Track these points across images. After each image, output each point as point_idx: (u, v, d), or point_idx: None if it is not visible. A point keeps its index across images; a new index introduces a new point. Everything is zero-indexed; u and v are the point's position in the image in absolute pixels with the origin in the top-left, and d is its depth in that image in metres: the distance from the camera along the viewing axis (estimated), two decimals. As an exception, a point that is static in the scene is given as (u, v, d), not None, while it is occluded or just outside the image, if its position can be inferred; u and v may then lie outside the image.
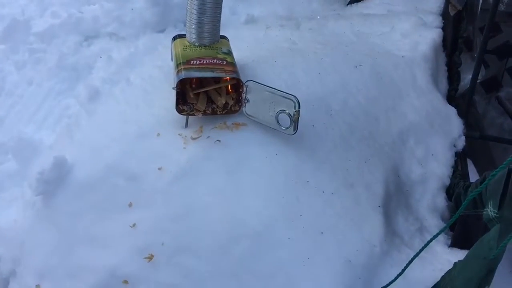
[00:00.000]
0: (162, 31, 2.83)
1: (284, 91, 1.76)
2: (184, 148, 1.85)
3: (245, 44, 2.44)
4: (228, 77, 1.92)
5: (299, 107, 1.71)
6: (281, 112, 1.77)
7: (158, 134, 1.94)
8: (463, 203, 1.19)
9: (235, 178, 1.75)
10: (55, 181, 1.88)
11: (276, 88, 1.80)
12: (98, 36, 2.88)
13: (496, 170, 1.13)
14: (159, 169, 1.81)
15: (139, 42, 2.70)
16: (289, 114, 1.75)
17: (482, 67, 2.97)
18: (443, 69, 2.45)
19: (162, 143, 1.91)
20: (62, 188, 1.87)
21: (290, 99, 1.73)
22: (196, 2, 1.96)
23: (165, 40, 2.70)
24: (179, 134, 1.91)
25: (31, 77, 2.74)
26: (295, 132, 1.76)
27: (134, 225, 1.69)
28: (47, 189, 1.88)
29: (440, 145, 2.04)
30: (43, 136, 2.45)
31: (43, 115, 2.59)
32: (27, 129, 2.54)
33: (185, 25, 2.89)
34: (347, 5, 3.03)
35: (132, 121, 2.04)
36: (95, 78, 2.48)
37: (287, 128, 1.77)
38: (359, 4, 2.93)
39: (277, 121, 1.79)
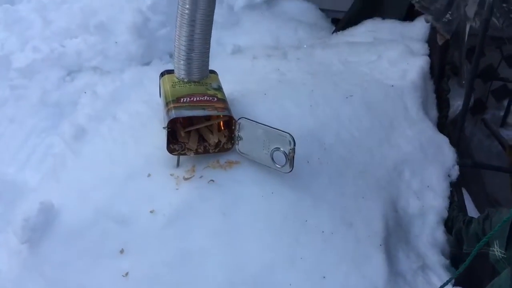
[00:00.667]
0: (147, 63, 2.79)
1: (278, 128, 1.72)
2: (177, 189, 1.80)
3: (233, 76, 2.40)
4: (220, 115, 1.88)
5: (294, 145, 1.68)
6: (275, 150, 1.74)
7: (149, 175, 1.88)
8: (473, 251, 1.16)
9: (231, 220, 1.69)
10: (41, 228, 1.80)
11: (269, 125, 1.76)
12: (81, 70, 2.81)
13: (507, 217, 1.11)
14: (151, 212, 1.75)
15: (124, 76, 2.65)
16: (284, 152, 1.71)
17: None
18: (432, 96, 2.45)
19: (153, 184, 1.85)
20: (49, 235, 1.79)
21: (285, 137, 1.69)
22: (184, 39, 1.93)
23: (151, 72, 2.66)
24: (170, 175, 1.85)
25: (12, 114, 2.65)
26: (291, 170, 1.72)
27: (126, 274, 1.61)
28: (33, 236, 1.79)
29: (435, 176, 2.03)
30: (27, 177, 2.35)
31: (26, 154, 2.49)
32: (9, 169, 2.44)
33: (171, 57, 2.92)
34: (333, 33, 3.03)
35: (121, 161, 1.98)
36: (80, 115, 2.40)
37: (282, 166, 1.73)
38: (345, 32, 2.94)
39: (272, 159, 1.75)
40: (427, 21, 2.19)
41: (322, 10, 3.29)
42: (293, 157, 1.70)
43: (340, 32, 2.97)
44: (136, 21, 2.72)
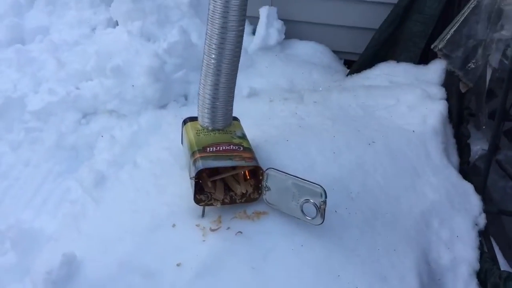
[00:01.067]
0: (164, 106, 2.78)
1: (308, 180, 1.70)
2: (204, 240, 1.76)
3: (251, 119, 2.39)
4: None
5: (326, 197, 1.66)
6: (305, 202, 1.71)
7: (174, 225, 1.85)
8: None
9: (261, 274, 1.65)
10: (64, 281, 1.76)
11: (297, 175, 1.75)
12: (97, 113, 2.80)
13: None
14: (178, 265, 1.71)
15: (141, 120, 2.64)
16: (315, 204, 1.69)
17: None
18: (452, 141, 2.44)
19: (178, 235, 1.82)
20: (72, 289, 1.75)
21: (316, 189, 1.67)
22: (209, 88, 1.93)
23: (168, 116, 2.66)
24: (196, 225, 1.82)
25: (27, 158, 2.63)
26: (322, 222, 1.70)
27: (155, 331, 1.57)
28: (55, 290, 1.75)
29: (463, 225, 2.00)
30: (43, 224, 2.31)
31: (42, 199, 2.46)
32: (24, 215, 2.40)
33: (186, 99, 2.93)
34: (347, 75, 3.05)
35: (144, 211, 1.95)
36: (98, 160, 2.38)
37: (313, 218, 1.71)
38: (359, 75, 2.95)
39: (302, 211, 1.73)
40: (449, 69, 2.20)
41: (335, 52, 3.32)
42: (325, 209, 1.67)
43: (355, 74, 2.99)
44: (152, 64, 2.72)
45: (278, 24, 3.19)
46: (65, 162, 2.60)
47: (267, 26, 3.14)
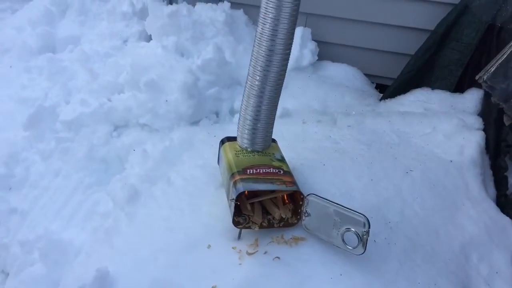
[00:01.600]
0: (196, 123, 2.77)
1: (350, 208, 1.67)
2: (240, 264, 1.73)
3: (285, 141, 2.37)
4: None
5: (369, 227, 1.63)
6: (347, 231, 1.68)
7: (209, 246, 1.82)
8: None
9: (299, 302, 1.62)
10: (96, 297, 1.74)
11: (340, 203, 1.72)
12: (128, 126, 2.80)
13: None
14: (213, 287, 1.68)
15: (173, 135, 2.63)
16: (356, 233, 1.66)
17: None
18: (488, 173, 2.40)
19: (214, 256, 1.79)
20: (104, 306, 1.73)
21: (360, 219, 1.64)
22: (251, 109, 1.91)
23: (201, 133, 2.65)
24: (232, 248, 1.79)
25: (58, 168, 2.62)
26: (364, 252, 1.66)
27: None
28: (88, 306, 1.73)
29: (503, 261, 1.95)
30: (72, 235, 2.30)
31: (71, 210, 2.45)
32: (53, 225, 2.39)
33: (217, 116, 2.92)
34: (380, 100, 3.03)
35: (179, 229, 1.93)
36: (131, 174, 2.37)
37: (354, 247, 1.67)
38: (393, 100, 2.93)
39: (343, 240, 1.70)
40: (494, 102, 2.18)
41: (367, 75, 3.31)
42: (367, 239, 1.64)
43: (388, 99, 2.97)
44: (187, 80, 2.72)
45: (311, 45, 3.19)
46: (95, 174, 2.59)
47: (301, 47, 3.14)
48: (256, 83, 1.87)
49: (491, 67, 2.04)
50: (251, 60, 1.87)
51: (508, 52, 2.09)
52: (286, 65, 1.88)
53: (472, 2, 2.76)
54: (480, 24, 2.76)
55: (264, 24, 1.78)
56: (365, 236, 1.64)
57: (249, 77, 1.89)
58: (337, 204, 1.70)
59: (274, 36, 1.78)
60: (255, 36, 1.83)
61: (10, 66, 3.44)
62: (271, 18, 1.76)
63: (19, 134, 2.81)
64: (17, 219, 2.48)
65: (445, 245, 1.92)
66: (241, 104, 1.96)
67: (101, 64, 3.35)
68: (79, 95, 2.98)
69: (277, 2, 1.74)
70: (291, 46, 1.85)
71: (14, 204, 2.52)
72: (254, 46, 1.85)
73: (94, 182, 2.56)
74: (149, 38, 3.40)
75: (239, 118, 1.99)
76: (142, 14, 3.67)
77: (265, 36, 1.79)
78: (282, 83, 1.91)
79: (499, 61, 2.07)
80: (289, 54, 1.87)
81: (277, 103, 1.95)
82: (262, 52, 1.82)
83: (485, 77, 2.04)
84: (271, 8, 1.76)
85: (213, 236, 1.86)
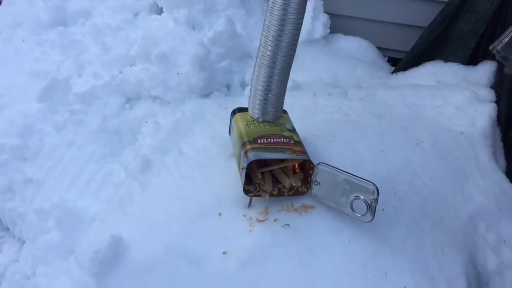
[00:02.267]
0: (207, 95, 2.79)
1: (360, 176, 1.69)
2: (250, 231, 1.77)
3: (296, 113, 2.37)
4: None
5: (378, 195, 1.65)
6: (356, 199, 1.70)
7: (220, 214, 1.86)
8: None
9: (308, 268, 1.65)
10: (110, 262, 1.78)
11: (348, 171, 1.74)
12: (140, 98, 2.83)
13: None
14: (224, 253, 1.72)
15: (185, 108, 2.65)
16: (365, 201, 1.68)
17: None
18: (499, 145, 2.40)
19: (225, 224, 1.82)
20: (118, 269, 1.77)
21: (369, 187, 1.66)
22: (262, 79, 1.92)
23: (212, 106, 2.66)
24: (243, 215, 1.82)
25: (71, 139, 2.67)
26: (372, 219, 1.69)
27: (200, 317, 1.58)
28: (102, 270, 1.77)
29: (510, 230, 1.97)
30: (86, 204, 2.36)
31: (85, 180, 2.51)
32: (68, 195, 2.45)
33: (229, 89, 2.93)
34: (392, 73, 3.01)
35: (190, 198, 1.97)
36: (143, 145, 2.40)
37: (363, 215, 1.70)
38: (405, 73, 2.91)
39: (351, 207, 1.72)
40: (507, 72, 2.16)
41: (379, 48, 3.28)
42: (376, 207, 1.66)
43: (400, 73, 2.95)
44: (198, 53, 2.73)
45: (323, 18, 3.16)
46: (108, 145, 2.64)
47: (312, 20, 3.12)
48: (268, 53, 1.87)
49: (505, 37, 2.02)
50: (263, 30, 1.87)
51: (523, 22, 2.07)
52: (298, 35, 1.88)
53: (487, -27, 2.72)
54: (496, -4, 2.72)
55: (276, -7, 1.78)
56: (373, 204, 1.66)
57: (260, 47, 1.90)
58: (347, 172, 1.72)
59: (287, 5, 1.77)
60: (267, 5, 1.83)
61: (23, 40, 3.46)
62: (283, -14, 1.76)
63: (33, 106, 2.85)
64: (32, 188, 2.53)
65: (454, 215, 1.94)
66: (253, 75, 1.97)
67: (112, 37, 3.35)
68: (91, 68, 3.00)
69: (289, -29, 1.73)
70: (303, 16, 1.85)
71: (29, 174, 2.58)
72: (266, 15, 1.84)
73: (107, 153, 2.61)
74: (160, 11, 3.40)
75: (250, 89, 2.00)
76: (153, -13, 3.66)
77: (277, 5, 1.79)
78: (294, 53, 1.91)
79: (513, 31, 2.05)
80: (301, 24, 1.86)
81: (289, 74, 1.96)
82: (274, 21, 1.81)
83: (498, 47, 2.02)
84: (283, -23, 1.75)
85: (224, 204, 1.89)
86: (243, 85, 2.94)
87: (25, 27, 3.56)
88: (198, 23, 3.06)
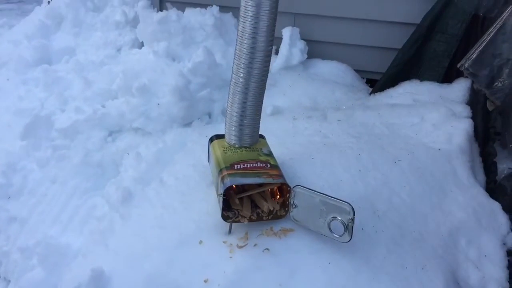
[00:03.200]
0: (188, 125, 2.82)
1: (336, 197, 1.71)
2: (231, 257, 1.77)
3: (275, 137, 2.41)
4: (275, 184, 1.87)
5: (354, 215, 1.66)
6: (333, 219, 1.71)
7: (201, 242, 1.86)
8: None
9: (289, 291, 1.65)
10: (92, 296, 1.78)
11: (324, 192, 1.75)
12: (122, 131, 2.85)
13: None
14: (205, 281, 1.71)
15: (166, 138, 2.68)
16: (342, 222, 1.69)
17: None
18: (478, 160, 2.43)
19: (206, 251, 1.82)
20: (100, 304, 1.77)
21: (344, 207, 1.67)
22: (237, 106, 1.96)
23: (193, 134, 2.69)
24: (223, 242, 1.83)
25: (54, 175, 2.67)
26: (350, 240, 1.69)
27: None
28: (84, 305, 1.77)
29: (491, 245, 1.97)
30: (70, 239, 2.35)
31: (68, 215, 2.50)
32: (51, 231, 2.44)
33: (210, 117, 2.96)
34: (370, 94, 3.06)
35: (171, 227, 1.97)
36: (125, 177, 2.41)
37: (340, 235, 1.70)
38: (383, 93, 2.96)
39: (329, 228, 1.73)
40: (476, 88, 2.21)
41: (357, 71, 3.34)
42: (353, 227, 1.67)
43: (378, 93, 2.99)
44: (178, 83, 2.77)
45: (300, 44, 3.23)
46: (91, 179, 2.64)
47: (290, 46, 3.18)
48: (240, 80, 1.91)
49: (472, 54, 2.08)
50: (234, 58, 1.92)
51: (488, 39, 2.13)
52: (269, 61, 1.92)
53: (454, -6, 2.80)
54: (465, 15, 2.80)
55: (245, 22, 1.83)
56: (350, 224, 1.67)
57: (233, 74, 1.94)
58: (322, 194, 1.74)
59: (255, 34, 1.82)
60: (237, 34, 1.87)
61: (8, 79, 3.50)
62: (250, 16, 1.81)
63: (16, 144, 2.86)
64: (16, 226, 2.53)
65: (433, 231, 1.95)
66: (227, 102, 2.00)
67: (95, 72, 3.40)
68: (74, 103, 3.03)
69: (256, 0, 1.78)
70: (273, 43, 1.90)
71: (13, 212, 2.57)
72: (236, 44, 1.89)
73: (90, 187, 2.61)
74: (141, 45, 3.46)
75: (226, 116, 2.03)
76: (134, 22, 3.72)
77: (247, 34, 1.84)
78: (266, 79, 1.95)
79: (480, 48, 2.10)
80: (271, 51, 1.91)
81: (262, 99, 1.99)
82: (244, 50, 1.86)
83: (466, 65, 2.07)
84: (250, 6, 1.80)
85: (204, 232, 1.90)
86: (224, 112, 2.96)
87: (10, 67, 3.61)
88: (177, 55, 3.12)
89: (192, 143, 2.56)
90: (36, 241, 2.32)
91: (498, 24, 2.22)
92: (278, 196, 1.92)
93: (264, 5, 1.79)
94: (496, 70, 2.18)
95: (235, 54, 1.90)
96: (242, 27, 1.84)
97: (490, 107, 2.25)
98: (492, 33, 2.20)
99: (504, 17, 2.20)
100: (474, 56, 2.08)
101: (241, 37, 1.85)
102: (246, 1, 1.80)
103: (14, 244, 2.45)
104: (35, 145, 2.86)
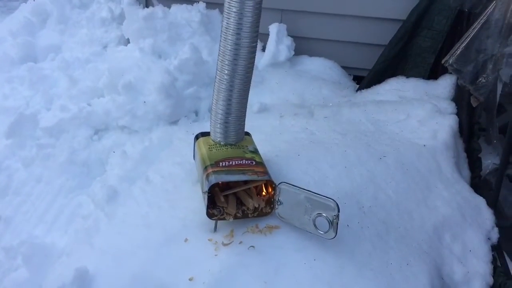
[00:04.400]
0: (175, 122, 2.80)
1: (320, 194, 1.71)
2: (216, 255, 1.76)
3: (262, 134, 2.41)
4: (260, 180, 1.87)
5: (338, 211, 1.66)
6: (318, 216, 1.71)
7: (186, 240, 1.85)
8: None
9: (274, 288, 1.65)
10: (76, 296, 1.76)
11: (308, 189, 1.75)
12: (109, 129, 2.83)
13: None
14: (190, 279, 1.70)
15: (152, 135, 2.66)
16: (327, 218, 1.69)
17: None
18: (463, 156, 2.45)
19: (191, 249, 1.82)
20: (84, 304, 1.75)
21: (329, 203, 1.67)
22: (221, 103, 1.95)
23: (180, 132, 2.68)
24: (208, 240, 1.82)
25: (40, 174, 2.65)
26: (335, 236, 1.69)
27: None
28: (68, 304, 1.75)
29: (476, 239, 1.99)
30: (54, 239, 2.32)
31: (54, 214, 2.47)
32: (36, 230, 2.41)
33: (197, 115, 2.95)
34: (357, 91, 3.07)
35: (156, 225, 1.96)
36: (110, 175, 2.40)
37: (326, 232, 1.70)
38: (369, 90, 2.97)
39: (314, 225, 1.73)
40: (460, 84, 2.22)
41: (344, 67, 3.35)
42: (337, 223, 1.67)
43: (364, 90, 3.00)
44: (164, 81, 2.75)
45: (288, 41, 3.22)
46: (77, 178, 2.61)
47: (277, 43, 3.18)
48: (225, 77, 1.90)
49: (456, 50, 2.09)
50: (218, 55, 1.91)
51: (472, 35, 2.14)
52: (254, 58, 1.91)
53: (440, -10, 2.81)
54: (450, 11, 2.81)
55: (229, 18, 1.82)
56: (335, 220, 1.67)
57: (217, 71, 1.92)
58: (307, 190, 1.74)
59: (239, 30, 1.81)
60: (221, 31, 1.86)
61: (-8, 77, 3.46)
62: (234, 12, 1.80)
63: (0, 143, 2.83)
64: (1, 226, 2.49)
65: (418, 226, 1.96)
66: (212, 99, 1.99)
67: (81, 70, 3.38)
68: (59, 102, 3.00)
69: (239, -4, 1.77)
70: (257, 39, 1.89)
71: (-3, 212, 2.54)
72: (220, 41, 1.88)
73: (76, 186, 2.58)
74: (127, 42, 3.44)
75: (211, 113, 2.02)
76: (120, 19, 3.69)
77: (231, 31, 1.83)
78: (251, 76, 1.95)
79: (463, 44, 2.11)
80: (256, 47, 1.90)
81: (247, 96, 1.99)
82: (229, 46, 1.85)
83: (450, 61, 2.08)
84: (234, 2, 1.79)
85: (190, 230, 1.89)
86: (211, 110, 2.96)
87: (-6, 65, 3.57)
88: (163, 51, 3.10)
89: (178, 141, 2.55)
90: (20, 241, 2.29)
91: (482, 19, 2.23)
92: (263, 193, 1.91)
93: (248, 1, 1.78)
94: (480, 66, 2.19)
95: (219, 50, 1.89)
96: (226, 23, 1.83)
97: (474, 103, 2.27)
98: (476, 29, 2.21)
99: (488, 13, 2.21)
100: (458, 52, 2.09)
101: (225, 33, 1.84)
102: (230, -3, 1.79)
103: (-1, 244, 2.42)
104: (20, 144, 2.83)
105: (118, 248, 1.91)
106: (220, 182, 1.84)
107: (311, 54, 3.37)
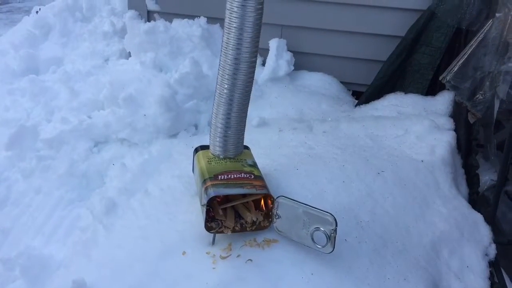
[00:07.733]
0: (174, 136, 2.82)
1: (318, 208, 1.72)
2: (214, 268, 1.76)
3: (261, 149, 2.42)
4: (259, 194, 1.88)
5: (336, 225, 1.67)
6: (316, 230, 1.72)
7: (184, 253, 1.85)
8: None
9: (271, 302, 1.65)
10: (73, 308, 1.76)
11: (307, 203, 1.76)
12: (108, 141, 2.84)
13: None
14: (188, 292, 1.71)
15: (152, 148, 2.67)
16: (325, 232, 1.69)
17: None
18: (460, 172, 2.46)
19: (189, 262, 1.82)
20: (81, 316, 1.75)
21: (327, 218, 1.68)
22: (221, 117, 1.96)
23: (179, 145, 2.69)
24: (207, 253, 1.82)
25: (39, 186, 2.65)
26: (332, 251, 1.70)
27: None
28: (65, 317, 1.75)
29: (473, 255, 1.99)
30: (53, 251, 2.32)
31: (52, 226, 2.47)
32: (34, 242, 2.41)
33: (196, 129, 2.97)
34: (356, 106, 3.09)
35: (155, 238, 1.96)
36: (109, 188, 2.41)
37: (323, 246, 1.71)
38: (368, 105, 2.99)
39: (312, 239, 1.73)
40: (457, 100, 2.24)
41: (343, 83, 3.38)
42: (335, 237, 1.68)
43: (363, 105, 3.02)
44: (164, 94, 2.77)
45: (287, 56, 3.25)
46: (76, 190, 2.62)
47: (276, 58, 3.21)
48: (225, 91, 1.92)
49: (453, 67, 2.11)
50: (218, 69, 1.93)
51: (469, 52, 2.17)
52: (253, 72, 1.93)
53: (437, 8, 2.84)
54: (448, 28, 2.85)
55: (229, 33, 1.84)
56: (333, 235, 1.68)
57: (217, 86, 1.94)
58: (305, 204, 1.74)
59: (240, 45, 1.84)
60: (221, 45, 1.89)
61: (-7, 89, 3.48)
62: (235, 27, 1.82)
63: (0, 154, 2.84)
64: (-1, 237, 2.50)
65: (416, 242, 1.96)
66: (212, 113, 2.01)
67: (82, 83, 3.41)
68: (60, 114, 3.02)
69: (240, 12, 1.80)
70: (257, 54, 1.91)
71: (-4, 223, 2.54)
72: (220, 55, 1.90)
73: (75, 198, 2.59)
74: (129, 56, 3.47)
75: (210, 127, 2.04)
76: (122, 33, 3.74)
77: (231, 46, 1.85)
78: (250, 90, 1.96)
79: (461, 61, 2.14)
80: (256, 62, 1.92)
81: (247, 110, 2.00)
82: (229, 61, 1.87)
83: (448, 77, 2.11)
84: (234, 18, 1.82)
85: (188, 243, 1.89)
86: (211, 124, 2.97)
87: (-4, 77, 3.60)
88: (165, 65, 3.13)
89: (178, 154, 2.56)
90: (18, 252, 2.29)
91: (479, 37, 2.26)
92: (261, 207, 1.92)
93: (248, 17, 1.81)
94: (478, 82, 2.22)
95: (219, 65, 1.91)
96: (227, 38, 1.86)
97: (471, 119, 2.29)
98: (473, 46, 2.24)
99: (485, 30, 2.25)
100: (455, 68, 2.12)
101: (226, 48, 1.86)
102: (230, 13, 1.82)
103: (-3, 255, 2.42)
104: (20, 156, 2.84)
105: (116, 261, 1.91)
106: (219, 196, 1.85)
107: (311, 69, 3.39)
